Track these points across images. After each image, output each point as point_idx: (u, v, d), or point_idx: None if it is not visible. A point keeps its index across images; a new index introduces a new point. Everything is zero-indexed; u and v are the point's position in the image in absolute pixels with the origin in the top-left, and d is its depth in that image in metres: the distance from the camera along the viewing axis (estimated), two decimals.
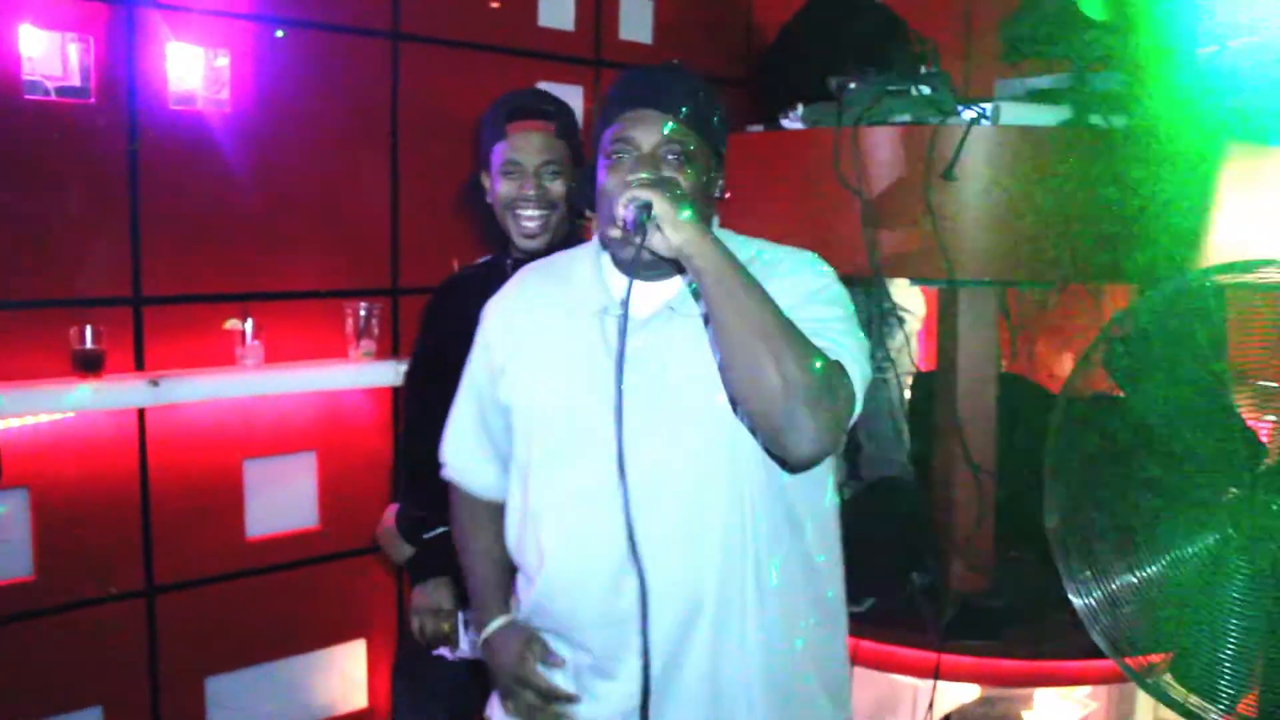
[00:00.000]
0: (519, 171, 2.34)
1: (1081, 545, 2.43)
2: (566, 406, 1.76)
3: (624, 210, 1.61)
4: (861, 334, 1.72)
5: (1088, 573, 2.42)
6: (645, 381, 1.68)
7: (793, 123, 3.04)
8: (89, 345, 3.03)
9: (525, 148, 2.34)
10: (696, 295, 1.70)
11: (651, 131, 1.70)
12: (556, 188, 2.36)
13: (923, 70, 3.00)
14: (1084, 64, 2.98)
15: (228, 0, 3.29)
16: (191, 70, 3.25)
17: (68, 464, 3.10)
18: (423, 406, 2.54)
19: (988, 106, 2.76)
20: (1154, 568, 2.30)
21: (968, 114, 2.76)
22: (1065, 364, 4.34)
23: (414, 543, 2.61)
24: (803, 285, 1.71)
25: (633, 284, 1.62)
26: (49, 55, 3.00)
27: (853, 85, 2.88)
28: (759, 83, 4.29)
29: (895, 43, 3.48)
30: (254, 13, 3.34)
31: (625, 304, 1.62)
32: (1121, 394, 2.40)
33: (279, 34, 3.39)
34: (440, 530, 2.39)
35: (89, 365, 3.03)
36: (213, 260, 3.34)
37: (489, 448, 1.94)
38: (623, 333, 1.62)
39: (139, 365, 3.20)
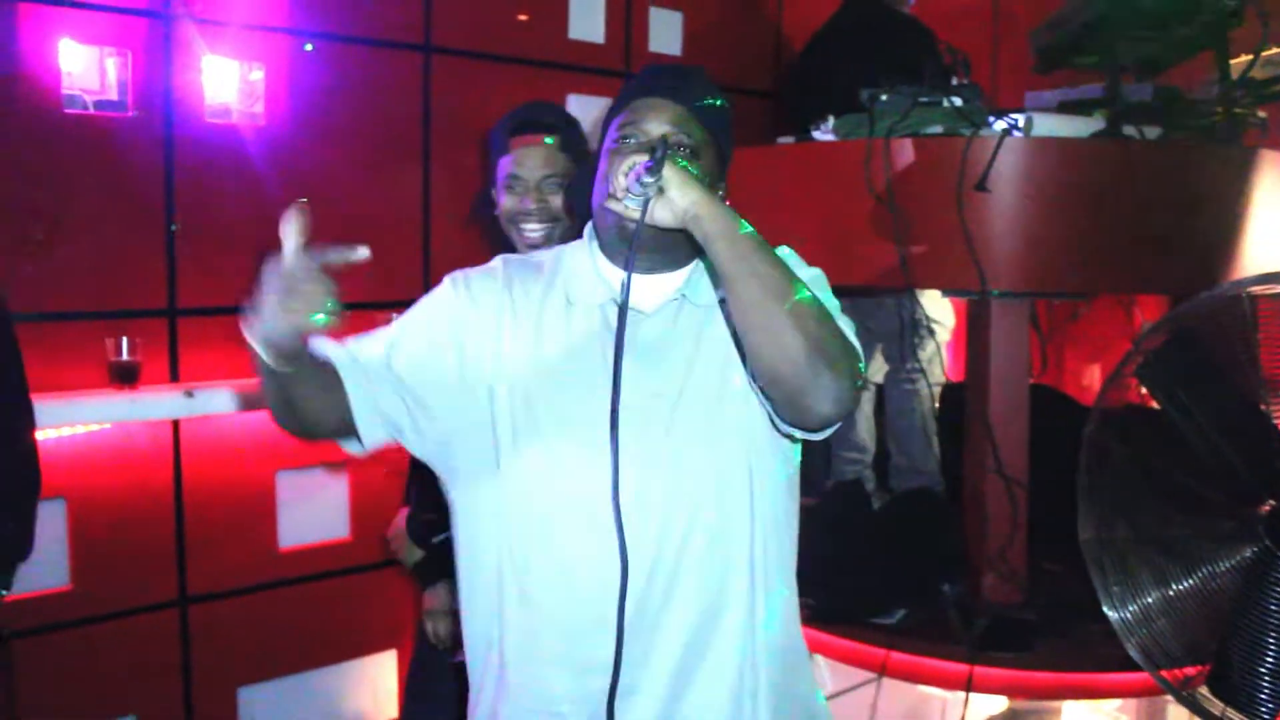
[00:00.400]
0: (521, 185, 2.33)
1: (1116, 558, 2.42)
2: (566, 398, 1.64)
3: (625, 178, 1.52)
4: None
5: (1122, 585, 2.41)
6: (658, 373, 1.64)
7: (824, 135, 3.04)
8: (125, 357, 3.05)
9: (527, 162, 2.33)
10: (714, 278, 1.64)
11: (660, 120, 1.64)
12: (558, 201, 2.35)
13: (954, 81, 3.00)
14: (1115, 74, 2.98)
15: (262, 14, 3.32)
16: (226, 84, 3.29)
17: (104, 475, 3.13)
18: None
19: (1019, 118, 2.76)
20: (1190, 580, 2.29)
21: (999, 125, 2.75)
22: (1095, 375, 4.34)
23: (424, 545, 2.62)
24: (797, 273, 1.60)
25: (633, 263, 1.53)
26: (88, 70, 3.04)
27: (884, 97, 2.89)
28: (788, 95, 4.30)
29: (926, 54, 3.48)
30: (288, 27, 3.38)
31: (626, 284, 1.53)
32: (1155, 405, 2.39)
33: (308, 47, 3.42)
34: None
35: (125, 377, 3.05)
36: (247, 271, 3.33)
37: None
38: (622, 318, 1.54)
39: (174, 377, 3.23)
